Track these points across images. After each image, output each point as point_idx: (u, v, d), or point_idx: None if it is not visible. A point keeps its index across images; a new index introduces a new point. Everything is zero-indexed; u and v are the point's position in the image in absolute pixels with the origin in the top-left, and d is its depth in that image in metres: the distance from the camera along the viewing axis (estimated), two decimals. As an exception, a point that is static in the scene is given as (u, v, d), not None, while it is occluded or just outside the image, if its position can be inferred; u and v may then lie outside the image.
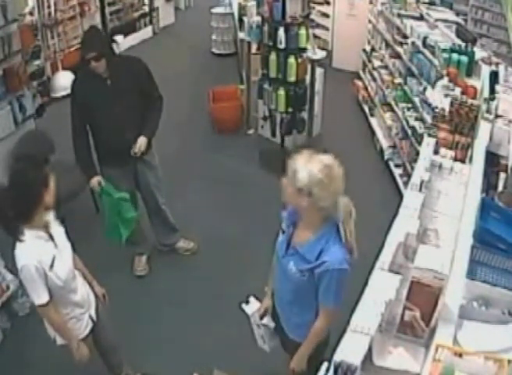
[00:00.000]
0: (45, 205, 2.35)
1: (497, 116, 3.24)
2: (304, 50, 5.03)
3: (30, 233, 2.33)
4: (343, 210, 2.08)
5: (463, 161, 3.24)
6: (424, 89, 4.63)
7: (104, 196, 3.64)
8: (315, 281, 2.17)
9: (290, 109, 5.19)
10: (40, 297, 2.38)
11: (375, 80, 6.61)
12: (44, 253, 2.36)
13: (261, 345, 2.71)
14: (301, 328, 2.39)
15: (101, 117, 3.50)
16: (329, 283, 2.13)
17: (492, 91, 3.55)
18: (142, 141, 3.62)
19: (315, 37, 7.60)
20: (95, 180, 3.62)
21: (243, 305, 2.63)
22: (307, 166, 2.02)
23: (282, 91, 5.09)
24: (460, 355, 1.75)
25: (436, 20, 5.36)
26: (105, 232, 3.86)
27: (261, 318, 2.58)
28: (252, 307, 2.61)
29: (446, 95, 3.88)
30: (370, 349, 1.85)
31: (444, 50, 4.45)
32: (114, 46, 3.70)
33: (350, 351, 1.75)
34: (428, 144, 3.25)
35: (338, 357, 1.72)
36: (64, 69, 7.19)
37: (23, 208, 2.29)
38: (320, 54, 5.39)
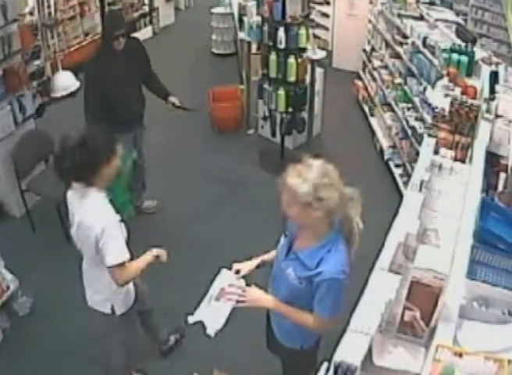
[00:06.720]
0: (102, 177, 2.38)
1: (497, 116, 3.24)
2: (304, 50, 5.03)
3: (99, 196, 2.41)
4: (347, 199, 2.04)
5: (463, 161, 3.24)
6: (424, 89, 4.64)
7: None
8: (312, 290, 2.13)
9: (290, 109, 5.19)
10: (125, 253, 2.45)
11: (375, 80, 6.61)
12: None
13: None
14: (291, 333, 2.38)
15: (114, 88, 3.87)
16: (326, 293, 2.08)
17: (492, 91, 3.55)
18: (175, 99, 4.26)
19: (315, 37, 7.60)
20: None
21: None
22: (303, 178, 1.96)
23: (282, 91, 5.09)
24: (460, 355, 1.75)
25: (436, 20, 5.36)
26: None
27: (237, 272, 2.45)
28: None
29: (446, 95, 3.88)
30: (370, 349, 1.85)
31: (444, 50, 4.45)
32: None
33: (350, 351, 1.74)
34: (428, 144, 3.25)
35: (338, 357, 1.72)
36: (64, 69, 7.17)
37: (81, 168, 2.31)
38: (320, 54, 5.39)
